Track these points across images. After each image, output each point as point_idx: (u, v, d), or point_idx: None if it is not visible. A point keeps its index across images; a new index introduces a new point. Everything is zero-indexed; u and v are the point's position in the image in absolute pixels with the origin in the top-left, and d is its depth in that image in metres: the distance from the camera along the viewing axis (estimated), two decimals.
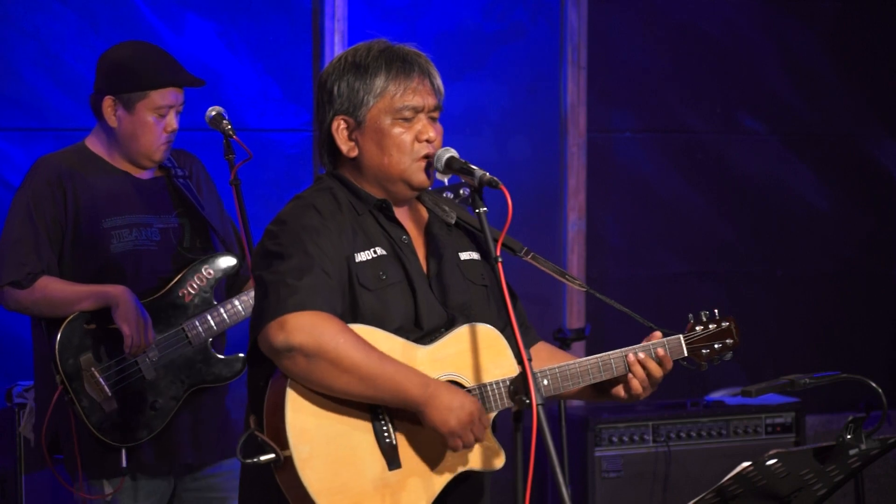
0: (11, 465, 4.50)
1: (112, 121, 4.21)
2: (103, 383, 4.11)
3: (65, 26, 5.32)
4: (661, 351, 3.24)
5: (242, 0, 5.58)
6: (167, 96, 4.19)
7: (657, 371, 3.23)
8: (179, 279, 4.22)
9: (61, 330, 4.11)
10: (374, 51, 3.11)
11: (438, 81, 3.15)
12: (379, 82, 3.08)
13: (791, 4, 6.52)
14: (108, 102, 4.20)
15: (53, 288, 4.14)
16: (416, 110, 3.10)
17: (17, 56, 5.28)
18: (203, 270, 4.25)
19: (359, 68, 3.09)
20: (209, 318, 4.21)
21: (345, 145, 3.13)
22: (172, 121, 4.22)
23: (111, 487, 4.18)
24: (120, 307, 4.06)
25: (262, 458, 2.92)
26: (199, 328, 4.19)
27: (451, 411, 2.96)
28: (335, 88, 3.10)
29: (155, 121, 4.18)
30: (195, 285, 4.23)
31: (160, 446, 4.18)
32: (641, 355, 3.22)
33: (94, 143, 4.29)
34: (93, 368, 4.11)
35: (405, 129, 3.10)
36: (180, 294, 4.21)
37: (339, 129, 3.12)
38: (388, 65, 3.09)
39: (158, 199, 4.26)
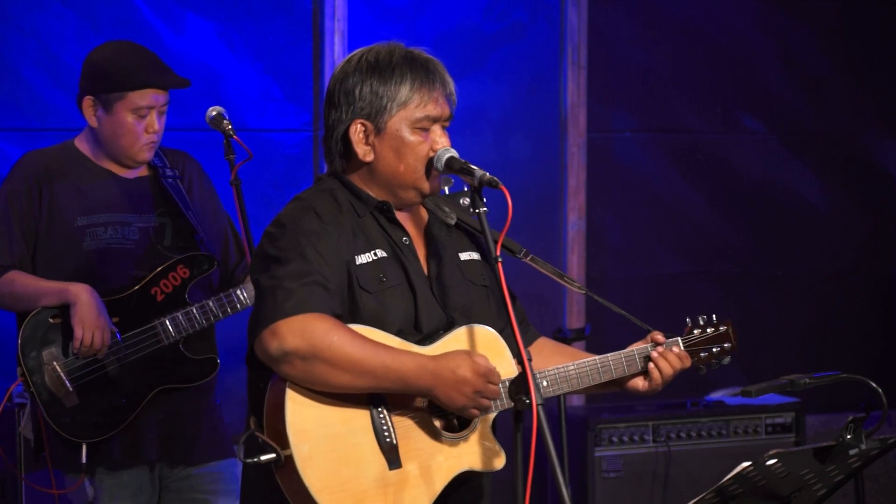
0: (11, 465, 4.50)
1: (92, 121, 4.19)
2: (64, 378, 4.08)
3: (65, 26, 5.31)
4: (676, 349, 3.29)
5: (242, 0, 5.57)
6: (146, 97, 4.15)
7: (676, 362, 3.26)
8: (153, 277, 4.17)
9: (25, 323, 4.10)
10: (397, 56, 3.10)
11: (453, 89, 3.15)
12: (404, 91, 3.07)
13: (791, 4, 6.52)
14: (87, 103, 4.18)
15: (19, 282, 4.13)
16: (435, 120, 3.10)
17: (17, 56, 5.27)
18: (178, 269, 4.20)
19: (383, 73, 3.08)
20: (180, 317, 4.16)
21: (361, 149, 3.11)
22: (154, 122, 4.17)
23: (93, 489, 4.15)
24: (77, 307, 4.03)
25: (263, 457, 2.93)
26: (170, 327, 4.14)
27: (458, 371, 2.95)
28: (357, 90, 3.08)
29: (135, 122, 4.15)
30: (169, 284, 4.18)
31: (126, 443, 4.14)
32: (661, 349, 3.26)
33: (82, 142, 4.27)
34: (55, 363, 4.09)
35: (423, 139, 3.10)
36: (152, 292, 4.17)
37: (358, 132, 3.11)
38: (412, 73, 3.08)
39: (140, 198, 4.22)
